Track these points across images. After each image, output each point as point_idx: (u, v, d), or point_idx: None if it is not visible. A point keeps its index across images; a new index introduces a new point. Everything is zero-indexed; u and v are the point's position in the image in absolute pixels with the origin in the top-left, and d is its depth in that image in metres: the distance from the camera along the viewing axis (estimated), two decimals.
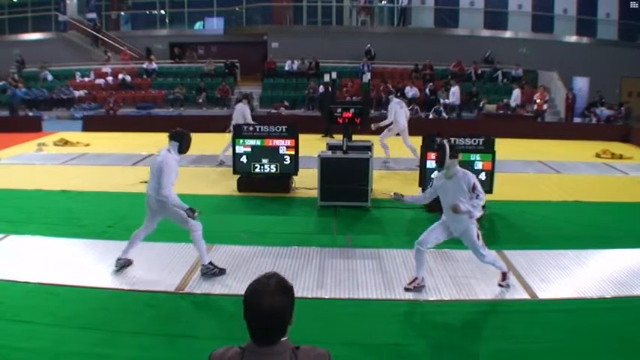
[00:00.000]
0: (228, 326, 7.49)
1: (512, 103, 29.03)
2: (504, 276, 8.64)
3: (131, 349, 6.90)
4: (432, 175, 8.52)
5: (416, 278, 8.61)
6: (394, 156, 17.57)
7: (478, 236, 8.27)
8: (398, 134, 17.12)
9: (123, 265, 9.22)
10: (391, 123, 16.83)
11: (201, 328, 7.45)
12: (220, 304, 8.19)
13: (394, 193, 8.72)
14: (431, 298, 8.34)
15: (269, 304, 3.11)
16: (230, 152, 16.14)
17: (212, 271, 9.01)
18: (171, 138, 8.80)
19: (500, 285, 8.61)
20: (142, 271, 9.12)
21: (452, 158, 8.04)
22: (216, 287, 8.63)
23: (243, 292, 8.10)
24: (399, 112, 16.90)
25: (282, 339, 3.20)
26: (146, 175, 9.31)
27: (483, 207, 8.44)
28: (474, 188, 7.95)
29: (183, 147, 8.79)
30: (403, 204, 9.11)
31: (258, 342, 3.18)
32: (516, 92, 29.25)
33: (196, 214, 8.70)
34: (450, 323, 7.65)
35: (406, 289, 8.56)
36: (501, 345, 7.01)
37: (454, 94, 29.16)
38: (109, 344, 6.99)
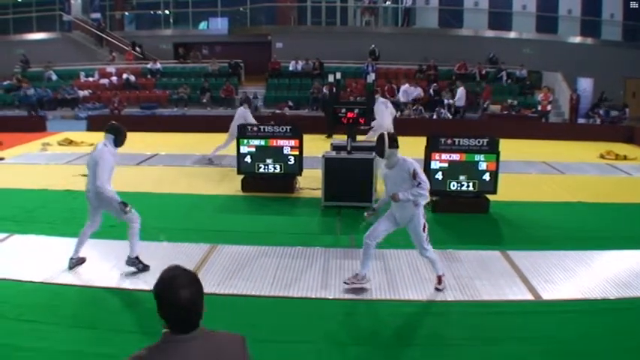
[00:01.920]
0: (232, 325, 7.48)
1: (457, 103, 29.12)
2: (440, 279, 8.59)
3: (135, 348, 6.89)
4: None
5: (357, 274, 8.62)
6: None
7: (424, 228, 8.27)
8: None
9: (76, 264, 9.33)
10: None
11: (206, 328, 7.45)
12: (224, 303, 8.17)
13: (367, 214, 8.82)
14: (435, 299, 8.34)
15: (187, 295, 3.24)
16: (221, 153, 16.40)
17: (137, 266, 9.11)
18: (107, 132, 9.04)
19: (436, 288, 8.57)
20: (147, 270, 9.14)
21: (391, 148, 8.11)
22: (220, 287, 8.64)
23: (247, 292, 8.14)
24: (384, 112, 16.87)
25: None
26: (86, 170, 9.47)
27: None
28: (414, 175, 7.98)
29: (118, 140, 9.03)
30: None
31: (178, 330, 3.33)
32: (460, 91, 29.34)
33: (128, 208, 8.84)
34: (454, 324, 7.63)
35: (345, 283, 8.60)
36: (506, 346, 7.01)
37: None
38: (112, 344, 7.00)
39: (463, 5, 36.13)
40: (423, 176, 8.07)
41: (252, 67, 35.33)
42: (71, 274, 9.07)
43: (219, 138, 17.85)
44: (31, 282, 8.76)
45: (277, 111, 28.94)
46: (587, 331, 7.44)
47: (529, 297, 8.41)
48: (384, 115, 16.80)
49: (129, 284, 8.75)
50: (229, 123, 17.48)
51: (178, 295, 3.23)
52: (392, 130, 16.68)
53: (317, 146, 16.69)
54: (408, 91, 29.27)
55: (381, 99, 17.40)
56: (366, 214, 8.86)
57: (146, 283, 8.75)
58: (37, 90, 31.31)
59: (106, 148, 8.84)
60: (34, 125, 26.07)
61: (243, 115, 17.18)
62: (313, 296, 8.43)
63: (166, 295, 3.26)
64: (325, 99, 24.91)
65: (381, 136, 8.22)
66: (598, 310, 8.05)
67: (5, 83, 33.18)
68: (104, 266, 9.38)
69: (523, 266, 9.44)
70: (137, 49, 37.32)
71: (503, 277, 9.03)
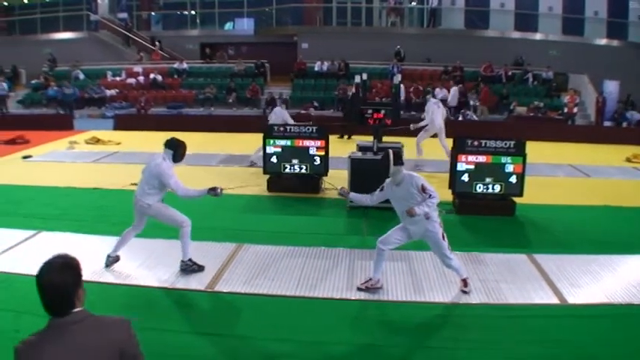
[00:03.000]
0: (256, 325, 7.55)
1: (450, 102, 29.03)
2: (465, 282, 8.59)
3: (160, 346, 6.93)
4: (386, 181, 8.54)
5: (371, 279, 8.66)
6: (426, 157, 17.49)
7: (443, 237, 8.29)
8: (434, 135, 17.14)
9: (112, 262, 9.41)
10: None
11: (230, 327, 7.54)
12: (249, 302, 8.23)
13: (341, 188, 9.02)
14: (460, 302, 8.33)
15: (51, 281, 3.53)
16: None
17: (191, 268, 9.17)
18: (166, 146, 8.97)
19: (462, 291, 8.56)
20: (173, 269, 9.21)
21: (396, 165, 8.12)
22: (246, 287, 8.68)
23: (272, 292, 8.19)
24: (436, 112, 16.92)
25: (74, 310, 3.59)
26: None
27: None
28: (423, 189, 8.01)
29: (177, 156, 8.95)
30: (349, 200, 9.10)
31: (50, 313, 3.56)
32: (453, 90, 29.44)
33: (219, 190, 8.78)
34: (479, 327, 7.62)
35: (359, 289, 8.63)
36: (530, 350, 6.99)
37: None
38: (141, 341, 7.00)
39: (489, 6, 35.98)
40: (431, 187, 8.11)
41: (277, 68, 35.33)
42: (103, 272, 9.15)
43: (245, 138, 17.92)
44: None
45: (302, 111, 28.98)
46: (612, 335, 7.41)
47: (555, 301, 8.37)
48: (437, 115, 16.86)
49: (156, 282, 8.81)
50: (255, 123, 17.54)
51: (43, 280, 3.53)
52: (444, 131, 16.81)
53: (343, 147, 16.71)
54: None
55: (432, 99, 17.54)
56: (340, 188, 9.10)
57: (174, 281, 8.85)
58: (62, 89, 31.58)
59: (164, 162, 8.77)
60: (62, 123, 26.34)
61: (281, 115, 17.26)
62: (338, 297, 8.44)
63: (37, 279, 3.55)
64: (352, 100, 24.94)
65: (386, 154, 8.22)
66: (623, 314, 8.01)
67: (33, 82, 33.51)
68: (132, 264, 9.47)
69: (549, 270, 9.40)
70: (157, 43, 37.69)
71: (529, 280, 9.00)
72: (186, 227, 9.03)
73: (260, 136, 14.57)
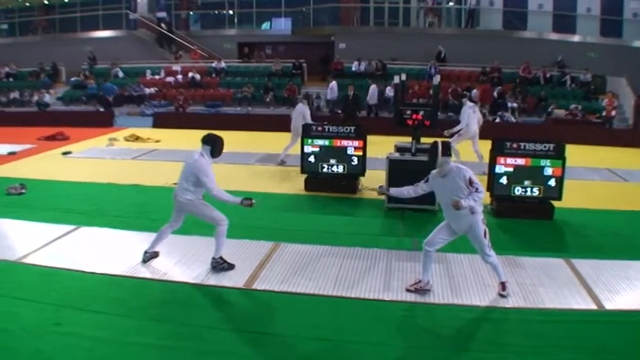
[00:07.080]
0: (292, 323, 7.64)
1: (370, 101, 29.21)
2: (503, 286, 8.54)
3: (200, 342, 7.05)
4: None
5: (420, 280, 8.66)
6: (463, 160, 17.36)
7: (485, 234, 8.25)
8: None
9: (150, 257, 9.59)
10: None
11: (267, 325, 7.61)
12: (287, 301, 8.32)
13: (380, 187, 9.05)
14: (497, 305, 8.30)
15: None
16: (291, 152, 16.81)
17: (221, 266, 9.24)
18: (204, 142, 9.07)
19: (500, 294, 8.51)
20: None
21: (444, 156, 8.10)
22: (283, 285, 8.75)
23: (309, 291, 8.22)
24: (471, 116, 16.64)
25: None
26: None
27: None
28: (470, 182, 7.99)
29: (215, 151, 9.04)
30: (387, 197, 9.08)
31: None
32: (372, 89, 29.39)
33: (253, 201, 8.89)
34: (514, 331, 7.60)
35: (407, 290, 8.65)
36: (566, 355, 6.96)
37: (332, 89, 29.89)
38: (178, 337, 7.17)
39: (527, 7, 35.66)
40: (478, 181, 8.11)
41: (315, 67, 35.52)
42: (142, 267, 9.31)
43: (282, 137, 18.00)
44: (97, 274, 9.03)
45: (338, 111, 28.96)
46: None
47: (592, 306, 8.31)
48: (472, 119, 16.66)
49: (194, 279, 8.91)
50: (290, 122, 17.65)
51: None
52: (477, 137, 16.58)
53: (379, 147, 16.73)
54: (334, 89, 29.52)
55: (469, 103, 17.20)
56: (379, 186, 9.13)
57: (214, 278, 8.94)
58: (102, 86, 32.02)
59: (203, 159, 8.89)
60: (101, 120, 26.72)
61: (302, 111, 17.33)
62: (375, 298, 8.47)
63: None
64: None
65: (434, 145, 8.22)
66: None
67: (73, 79, 33.94)
68: (170, 260, 9.61)
69: (586, 274, 9.32)
70: (162, 25, 38.32)
71: (567, 285, 8.94)
72: (224, 225, 9.12)
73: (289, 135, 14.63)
